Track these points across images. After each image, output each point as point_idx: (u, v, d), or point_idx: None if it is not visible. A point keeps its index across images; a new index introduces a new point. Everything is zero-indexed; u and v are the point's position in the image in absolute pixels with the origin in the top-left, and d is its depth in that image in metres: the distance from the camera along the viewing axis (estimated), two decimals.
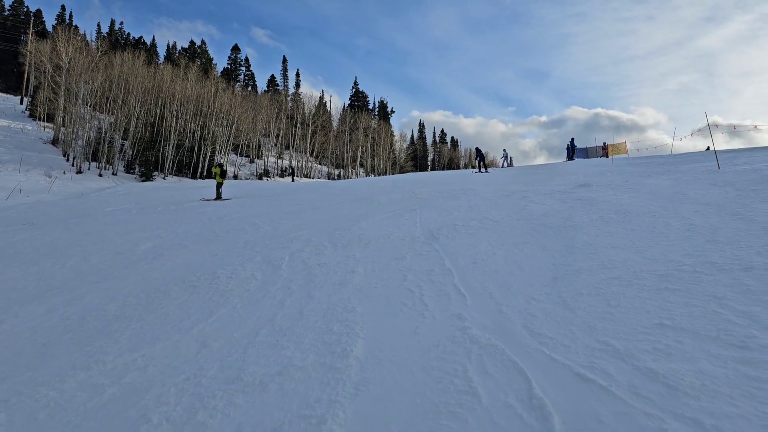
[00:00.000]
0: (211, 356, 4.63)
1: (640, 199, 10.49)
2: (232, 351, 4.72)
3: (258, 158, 74.94)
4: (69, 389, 4.13)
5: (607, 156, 36.10)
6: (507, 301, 5.43)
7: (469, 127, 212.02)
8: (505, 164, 35.64)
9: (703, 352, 3.66)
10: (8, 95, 66.17)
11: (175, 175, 57.21)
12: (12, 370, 4.71)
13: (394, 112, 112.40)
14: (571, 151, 36.64)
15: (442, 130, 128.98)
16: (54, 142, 51.88)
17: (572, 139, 37.11)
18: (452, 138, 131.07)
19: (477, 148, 33.01)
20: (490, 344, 4.28)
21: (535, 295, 5.53)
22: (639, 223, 8.24)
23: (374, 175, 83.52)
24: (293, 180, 51.44)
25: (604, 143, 38.93)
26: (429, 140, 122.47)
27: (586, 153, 40.26)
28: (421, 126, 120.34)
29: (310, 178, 74.61)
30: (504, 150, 38.12)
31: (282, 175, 70.79)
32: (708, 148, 29.78)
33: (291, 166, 60.83)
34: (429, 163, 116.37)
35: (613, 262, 6.28)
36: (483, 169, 31.37)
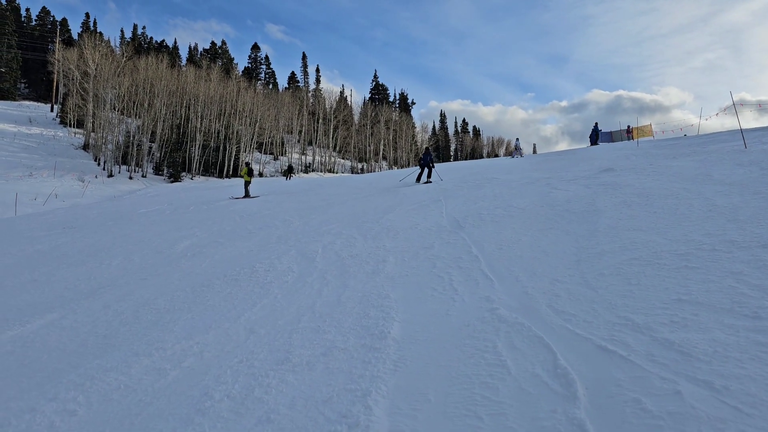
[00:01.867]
0: (260, 341, 5.03)
1: (664, 182, 10.63)
2: (278, 336, 5.11)
3: (282, 155, 75.74)
4: (135, 373, 4.57)
5: (632, 139, 35.78)
6: (532, 284, 5.73)
7: (488, 116, 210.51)
8: (517, 156, 32.82)
9: (717, 323, 3.93)
10: (39, 103, 67.86)
11: (202, 175, 58.26)
12: (81, 359, 5.18)
13: (414, 103, 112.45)
14: (595, 136, 36.44)
15: (464, 120, 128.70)
16: (85, 147, 53.21)
17: (596, 123, 36.90)
18: (474, 127, 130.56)
19: (517, 138, 33.47)
20: (517, 322, 4.60)
21: (558, 277, 5.82)
22: (661, 206, 8.44)
23: (397, 168, 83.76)
24: (288, 178, 45.41)
25: (629, 126, 38.59)
26: (451, 130, 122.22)
27: (611, 137, 39.94)
28: (443, 116, 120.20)
29: (333, 172, 75.15)
30: (516, 140, 36.44)
31: (306, 171, 71.29)
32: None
33: (289, 163, 54.40)
34: (452, 154, 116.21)
35: (634, 244, 6.52)
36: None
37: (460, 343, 4.36)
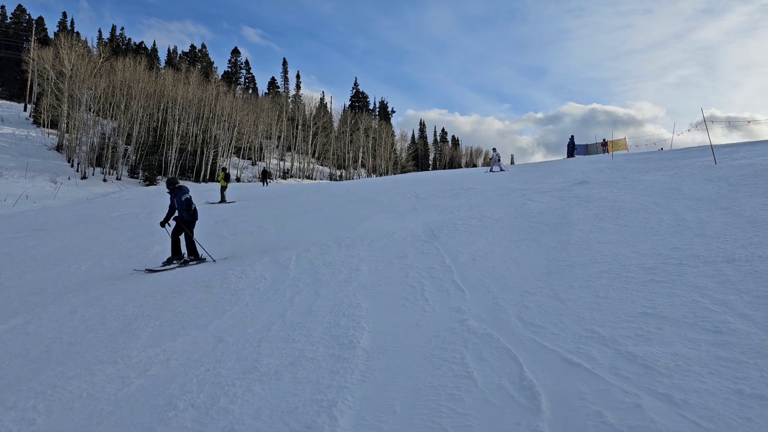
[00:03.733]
0: (228, 350, 4.97)
1: (636, 196, 10.82)
2: (246, 345, 5.06)
3: (260, 161, 75.32)
4: (99, 381, 4.48)
5: (607, 152, 36.30)
6: (503, 295, 5.77)
7: (465, 125, 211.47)
8: (496, 169, 28.26)
9: (679, 337, 4.00)
10: (12, 102, 66.67)
11: (179, 179, 57.63)
12: (43, 366, 5.07)
13: (394, 112, 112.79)
14: (572, 148, 36.92)
15: (443, 129, 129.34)
16: (58, 148, 52.35)
17: (572, 136, 37.42)
18: (453, 137, 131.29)
19: (494, 149, 32.67)
20: (486, 334, 4.62)
21: (529, 288, 5.88)
22: (632, 219, 8.58)
23: (376, 176, 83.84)
24: (266, 184, 41.78)
25: (604, 140, 39.13)
26: (430, 139, 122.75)
27: (587, 149, 40.47)
28: (422, 125, 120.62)
29: (312, 179, 74.93)
30: (494, 150, 29.90)
31: (284, 177, 70.91)
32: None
33: (265, 168, 47.44)
34: (430, 163, 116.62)
35: (604, 257, 6.62)
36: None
37: (429, 354, 4.36)
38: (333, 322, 5.48)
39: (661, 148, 32.14)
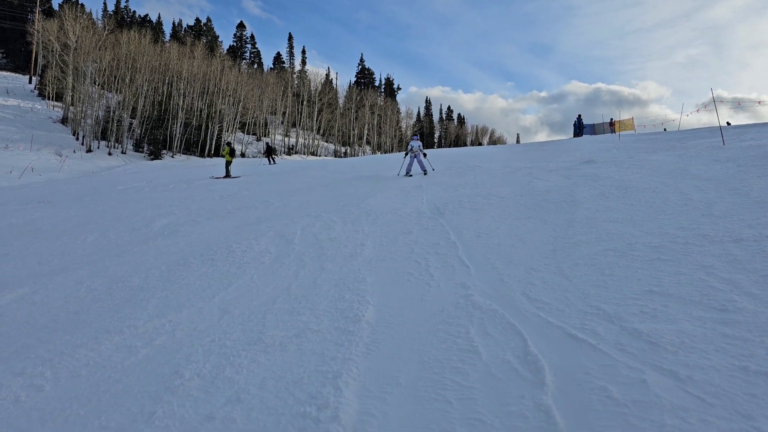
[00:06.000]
0: (233, 321, 5.00)
1: (643, 175, 10.75)
2: (252, 317, 5.09)
3: (265, 136, 75.11)
4: (106, 350, 4.52)
5: (614, 132, 36.00)
6: (508, 272, 5.78)
7: (468, 103, 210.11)
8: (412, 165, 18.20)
9: (685, 315, 4.00)
10: (17, 74, 66.42)
11: (183, 153, 57.59)
12: (50, 334, 5.11)
13: (400, 89, 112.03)
14: (578, 128, 36.65)
15: (449, 107, 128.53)
16: (63, 121, 52.25)
17: (579, 115, 37.13)
18: (459, 115, 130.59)
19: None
20: (490, 309, 4.63)
21: (534, 265, 5.88)
22: (639, 198, 8.54)
23: (381, 153, 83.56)
24: (272, 161, 37.31)
25: (612, 119, 38.82)
26: (435, 117, 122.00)
27: (593, 129, 40.17)
28: (428, 103, 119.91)
29: (316, 155, 74.75)
30: (414, 137, 18.34)
31: (289, 153, 70.68)
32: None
33: (267, 143, 41.45)
34: (435, 141, 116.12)
35: (610, 235, 6.60)
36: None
37: (434, 328, 4.38)
38: (338, 296, 5.49)
39: (665, 129, 31.90)
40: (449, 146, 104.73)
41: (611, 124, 38.26)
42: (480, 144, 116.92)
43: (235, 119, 65.30)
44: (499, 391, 3.26)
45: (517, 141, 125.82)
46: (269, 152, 38.46)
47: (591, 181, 10.92)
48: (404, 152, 18.64)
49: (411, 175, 17.09)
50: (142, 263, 7.86)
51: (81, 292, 6.54)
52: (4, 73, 65.03)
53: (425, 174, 16.93)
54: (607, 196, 9.10)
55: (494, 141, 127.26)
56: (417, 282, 5.79)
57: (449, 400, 3.22)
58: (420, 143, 18.03)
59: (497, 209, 9.30)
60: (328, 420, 3.08)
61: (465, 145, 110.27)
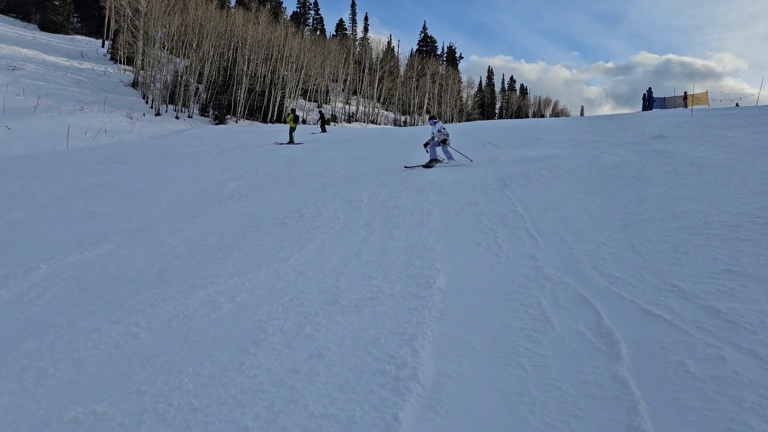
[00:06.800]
0: (308, 283, 5.23)
1: (718, 153, 10.35)
2: (326, 279, 5.30)
3: (326, 104, 75.55)
4: (192, 304, 4.82)
5: (686, 106, 34.46)
6: (578, 245, 5.77)
7: (530, 73, 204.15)
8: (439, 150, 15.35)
9: (765, 295, 3.93)
10: (91, 38, 68.60)
11: (247, 119, 58.65)
12: (139, 287, 5.48)
13: (462, 57, 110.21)
14: (648, 101, 35.25)
15: (512, 77, 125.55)
16: (134, 84, 53.99)
17: (649, 88, 35.63)
18: (522, 85, 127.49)
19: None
20: (561, 282, 4.67)
21: (605, 240, 5.83)
22: (714, 176, 8.26)
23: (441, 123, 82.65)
24: (324, 129, 33.51)
25: (685, 93, 37.15)
26: (497, 87, 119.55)
27: (664, 103, 38.56)
28: (490, 72, 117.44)
29: (376, 123, 74.76)
30: (432, 119, 15.05)
31: (349, 121, 70.91)
32: None
33: (320, 111, 40.16)
34: (497, 112, 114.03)
35: (684, 213, 6.45)
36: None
37: (505, 298, 4.47)
38: (408, 263, 5.64)
39: (737, 104, 30.31)
40: (510, 118, 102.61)
41: (684, 97, 36.60)
42: (542, 116, 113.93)
43: (297, 86, 65.85)
44: (574, 361, 3.34)
45: (581, 113, 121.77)
46: (322, 120, 36.42)
47: (662, 156, 10.59)
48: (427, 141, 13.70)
49: (433, 165, 13.05)
50: (217, 224, 8.22)
51: (162, 249, 6.93)
52: (79, 37, 67.32)
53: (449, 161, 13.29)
54: (681, 173, 8.83)
55: (557, 113, 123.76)
56: (485, 252, 5.87)
57: (524, 366, 3.33)
58: (441, 124, 13.76)
59: (564, 183, 9.19)
60: (408, 378, 3.24)
61: (527, 116, 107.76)
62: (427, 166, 12.98)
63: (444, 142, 13.21)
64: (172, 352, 3.88)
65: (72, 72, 49.39)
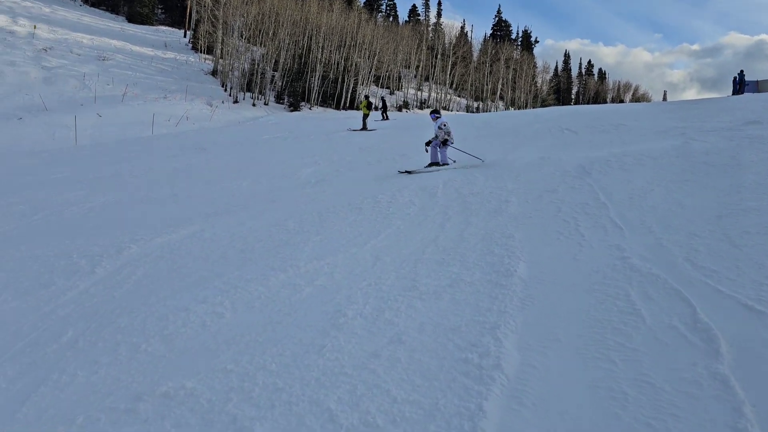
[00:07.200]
0: (386, 268, 5.23)
1: None
2: (403, 264, 5.29)
3: (398, 90, 75.51)
4: (273, 285, 4.93)
5: None
6: (667, 236, 5.47)
7: (608, 57, 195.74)
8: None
9: None
10: (173, 29, 71.29)
11: (320, 105, 59.48)
12: (223, 268, 5.65)
13: (537, 42, 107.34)
14: (740, 84, 33.14)
15: (589, 61, 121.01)
16: (213, 73, 55.79)
17: (741, 70, 33.44)
18: (600, 70, 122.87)
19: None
20: (651, 273, 4.45)
21: (697, 231, 5.51)
22: None
23: (514, 109, 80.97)
24: (385, 117, 31.64)
25: None
26: (574, 72, 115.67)
27: (757, 86, 36.15)
28: (567, 56, 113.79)
29: (448, 110, 74.08)
30: (433, 112, 13.35)
31: (421, 107, 70.59)
32: None
33: (383, 98, 37.43)
34: (573, 97, 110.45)
35: None
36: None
37: (590, 288, 4.31)
38: (486, 250, 5.54)
39: None
40: (587, 103, 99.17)
41: None
42: (621, 101, 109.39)
43: (369, 72, 66.14)
44: (667, 357, 3.17)
45: (664, 98, 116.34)
46: (384, 107, 34.76)
47: (758, 143, 9.91)
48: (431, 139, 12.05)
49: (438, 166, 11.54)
50: (295, 209, 8.36)
51: (244, 232, 7.12)
52: (162, 27, 70.07)
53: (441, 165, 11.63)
54: None
55: (637, 98, 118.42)
56: (567, 241, 5.68)
57: (613, 360, 3.19)
58: (444, 120, 12.10)
59: (650, 170, 8.76)
60: (491, 368, 3.18)
61: (605, 102, 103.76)
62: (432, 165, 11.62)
63: (445, 143, 11.63)
64: (255, 333, 3.98)
65: (156, 61, 51.52)
